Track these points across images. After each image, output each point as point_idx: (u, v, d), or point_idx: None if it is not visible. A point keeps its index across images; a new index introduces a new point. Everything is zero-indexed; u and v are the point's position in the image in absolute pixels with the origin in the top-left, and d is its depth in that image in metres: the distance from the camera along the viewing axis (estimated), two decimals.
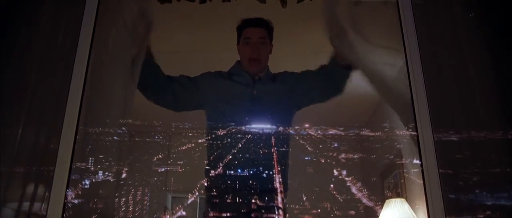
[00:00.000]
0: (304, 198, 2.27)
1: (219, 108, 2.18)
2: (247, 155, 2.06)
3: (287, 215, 2.10)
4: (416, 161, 1.81)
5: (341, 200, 2.25)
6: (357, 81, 2.22)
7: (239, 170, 2.05)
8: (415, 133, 1.81)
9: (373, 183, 2.48)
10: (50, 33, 1.93)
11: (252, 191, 2.01)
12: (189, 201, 2.19)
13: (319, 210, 2.24)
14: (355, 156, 2.36)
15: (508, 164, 1.74)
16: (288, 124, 2.16)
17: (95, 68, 1.91)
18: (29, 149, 1.75)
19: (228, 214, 2.00)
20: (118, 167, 2.17)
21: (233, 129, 2.10)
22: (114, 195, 2.18)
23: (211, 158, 2.09)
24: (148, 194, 2.24)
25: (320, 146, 2.31)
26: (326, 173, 2.32)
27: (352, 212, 2.23)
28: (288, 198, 2.08)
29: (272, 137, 2.11)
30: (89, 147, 2.00)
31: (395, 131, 2.26)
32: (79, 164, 1.88)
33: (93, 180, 2.04)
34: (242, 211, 2.00)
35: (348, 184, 2.28)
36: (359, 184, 2.27)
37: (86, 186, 1.98)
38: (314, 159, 2.34)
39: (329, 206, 2.25)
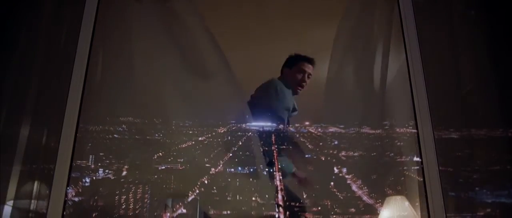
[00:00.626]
0: (305, 196, 2.28)
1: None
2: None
3: (288, 212, 2.10)
4: (416, 159, 1.82)
5: (342, 197, 2.25)
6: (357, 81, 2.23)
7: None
8: (415, 131, 1.81)
9: (373, 181, 2.48)
10: (50, 33, 1.93)
11: None
12: (190, 198, 2.19)
13: (319, 208, 2.24)
14: (356, 154, 2.36)
15: (508, 161, 1.74)
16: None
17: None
18: (30, 147, 1.75)
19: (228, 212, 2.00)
20: (119, 165, 2.17)
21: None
22: (114, 192, 2.18)
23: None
24: (149, 192, 2.24)
25: (321, 144, 2.32)
26: (326, 171, 2.32)
27: (352, 210, 2.23)
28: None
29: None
30: (90, 144, 2.00)
31: (395, 129, 2.26)
32: (79, 162, 1.88)
33: (94, 178, 2.04)
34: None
35: (349, 181, 2.28)
36: (359, 182, 2.27)
37: (86, 184, 1.99)
38: (315, 157, 2.34)
39: (329, 203, 2.25)
